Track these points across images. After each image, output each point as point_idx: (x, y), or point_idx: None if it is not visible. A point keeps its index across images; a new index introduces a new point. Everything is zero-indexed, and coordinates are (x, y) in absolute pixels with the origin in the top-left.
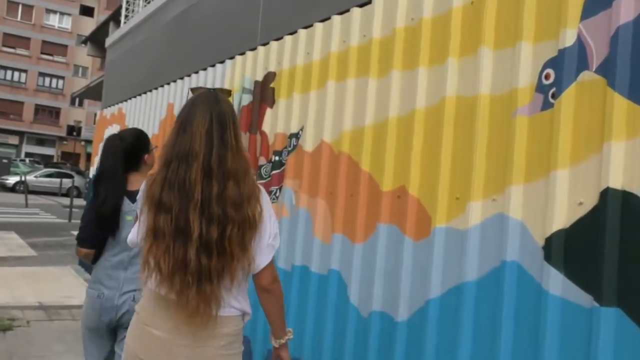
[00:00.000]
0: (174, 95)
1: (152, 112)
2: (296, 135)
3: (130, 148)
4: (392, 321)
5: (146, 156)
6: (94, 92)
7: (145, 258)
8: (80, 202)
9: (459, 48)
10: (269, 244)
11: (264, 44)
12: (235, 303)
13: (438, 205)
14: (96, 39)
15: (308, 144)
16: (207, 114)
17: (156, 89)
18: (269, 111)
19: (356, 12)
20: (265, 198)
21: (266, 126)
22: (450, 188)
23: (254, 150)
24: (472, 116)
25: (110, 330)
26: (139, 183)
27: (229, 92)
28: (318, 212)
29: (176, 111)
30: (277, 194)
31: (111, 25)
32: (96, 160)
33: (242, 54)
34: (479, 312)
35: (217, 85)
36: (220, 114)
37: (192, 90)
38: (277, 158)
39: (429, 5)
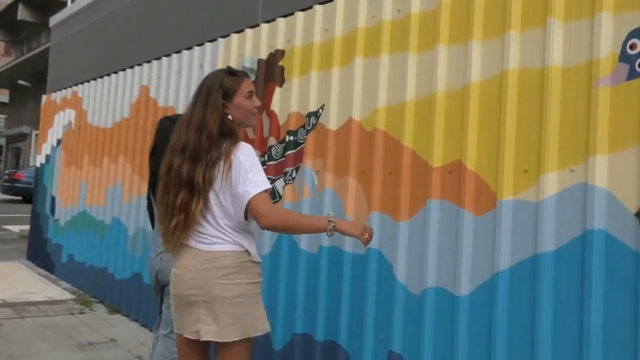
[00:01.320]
0: (149, 77)
1: (119, 95)
2: (315, 114)
3: None
4: (451, 296)
5: None
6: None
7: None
8: None
9: (520, 20)
10: (241, 191)
11: (268, 21)
12: (228, 238)
13: (504, 179)
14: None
15: (332, 122)
16: (215, 87)
17: (123, 70)
18: (277, 90)
19: None
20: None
21: (275, 105)
22: (515, 161)
23: (260, 131)
24: (540, 88)
25: (159, 287)
26: None
27: (232, 72)
28: (349, 192)
29: (154, 94)
30: (293, 175)
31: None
32: (43, 148)
33: (240, 31)
34: (560, 282)
35: (208, 65)
36: (198, 90)
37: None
38: (291, 138)
39: None
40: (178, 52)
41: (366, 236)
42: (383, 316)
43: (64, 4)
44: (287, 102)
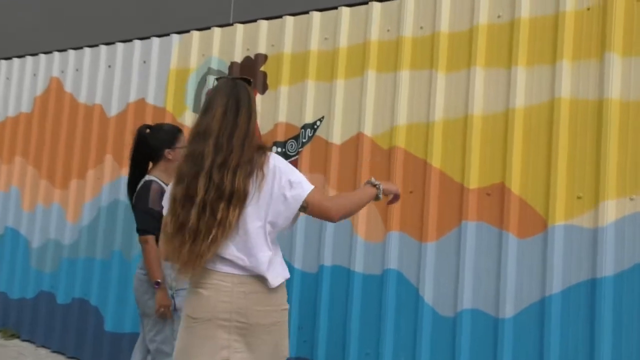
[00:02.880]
0: (62, 68)
1: (13, 85)
2: (312, 126)
3: None
4: (491, 319)
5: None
6: None
7: (165, 223)
8: None
9: (572, 51)
10: (290, 195)
11: (244, 22)
12: (263, 257)
13: (556, 204)
14: None
15: (335, 135)
16: (227, 98)
17: (21, 57)
18: (258, 97)
19: (409, 2)
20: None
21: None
22: (567, 187)
23: None
24: (596, 119)
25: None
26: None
27: (248, 81)
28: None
29: (70, 88)
30: None
31: None
32: None
33: (205, 29)
34: (620, 306)
35: (154, 63)
36: (237, 100)
37: (217, 79)
38: (278, 149)
39: (526, 4)
40: (109, 43)
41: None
42: (405, 339)
43: None
44: (271, 111)
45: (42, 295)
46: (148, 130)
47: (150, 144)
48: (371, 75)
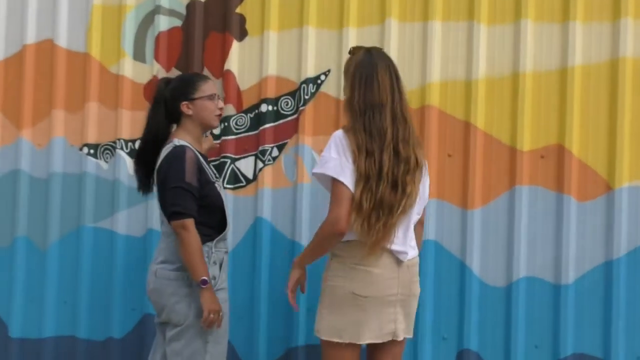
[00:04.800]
0: None
1: None
2: (315, 81)
3: None
4: (549, 286)
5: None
6: None
7: (359, 201)
8: None
9: (634, 8)
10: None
11: None
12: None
13: (616, 165)
14: None
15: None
16: (387, 68)
17: None
18: (236, 45)
19: None
20: None
21: (232, 65)
22: (631, 148)
23: None
24: None
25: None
26: None
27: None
28: None
29: None
30: (276, 154)
31: None
32: None
33: None
34: None
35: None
36: (395, 69)
37: (354, 48)
38: (269, 108)
39: None
40: None
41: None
42: (448, 314)
43: None
44: (255, 63)
45: None
46: (164, 85)
47: (166, 99)
48: (393, 25)
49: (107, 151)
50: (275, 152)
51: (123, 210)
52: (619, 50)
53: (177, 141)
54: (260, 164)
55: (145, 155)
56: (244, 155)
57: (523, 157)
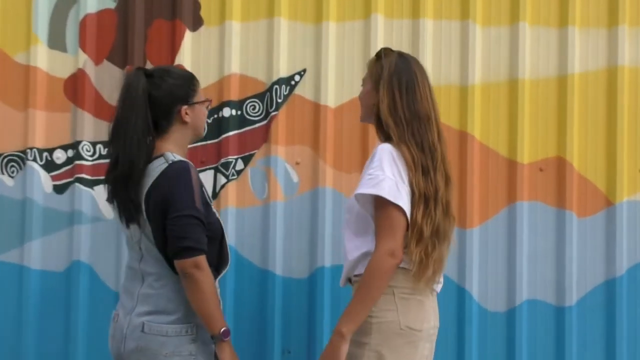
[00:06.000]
0: None
1: None
2: (289, 82)
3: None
4: (552, 309)
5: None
6: None
7: (420, 226)
8: None
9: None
10: None
11: None
12: None
13: (616, 179)
14: None
15: (326, 96)
16: (424, 75)
17: None
18: (189, 36)
19: None
20: None
21: (183, 59)
22: (629, 160)
23: None
24: None
25: None
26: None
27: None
28: None
29: None
30: (241, 167)
31: None
32: None
33: None
34: None
35: None
36: (427, 77)
37: (385, 50)
38: (233, 112)
39: None
40: None
41: None
42: (445, 344)
43: None
44: (213, 58)
45: None
46: (145, 78)
47: (154, 98)
48: (379, 20)
49: (13, 163)
50: (240, 165)
51: (37, 238)
52: (617, 58)
53: (171, 155)
54: (222, 179)
55: (129, 178)
56: (202, 168)
57: (523, 170)
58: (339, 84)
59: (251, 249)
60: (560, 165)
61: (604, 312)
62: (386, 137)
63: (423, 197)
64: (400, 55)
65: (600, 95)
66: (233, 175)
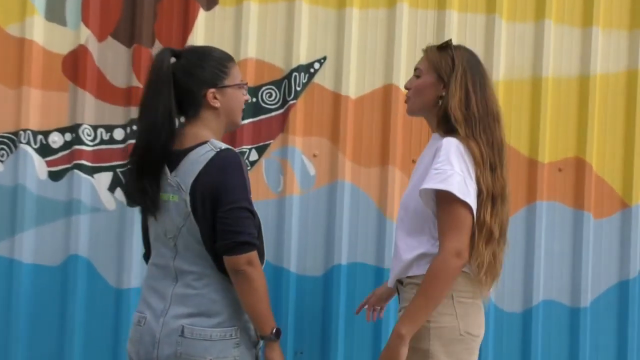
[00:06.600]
0: None
1: None
2: (308, 70)
3: None
4: (567, 310)
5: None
6: None
7: (489, 226)
8: None
9: None
10: None
11: None
12: None
13: (634, 181)
14: None
15: (348, 86)
16: (489, 74)
17: None
18: (202, 15)
19: None
20: None
21: (197, 40)
22: None
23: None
24: None
25: None
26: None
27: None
28: (387, 187)
29: None
30: (255, 158)
31: None
32: None
33: None
34: None
35: None
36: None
37: (451, 42)
38: (251, 99)
39: None
40: None
41: None
42: None
43: None
44: (229, 40)
45: None
46: (174, 59)
47: (178, 80)
48: (404, 9)
49: (3, 146)
50: (254, 155)
51: (29, 229)
52: (638, 61)
53: (216, 142)
54: None
55: (152, 164)
56: None
57: (544, 170)
58: (361, 74)
59: (264, 244)
60: (579, 165)
61: (616, 313)
62: (447, 132)
63: (491, 196)
64: (470, 50)
65: (619, 97)
66: (247, 166)
